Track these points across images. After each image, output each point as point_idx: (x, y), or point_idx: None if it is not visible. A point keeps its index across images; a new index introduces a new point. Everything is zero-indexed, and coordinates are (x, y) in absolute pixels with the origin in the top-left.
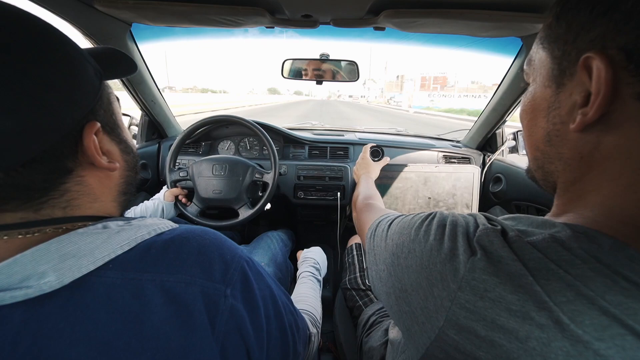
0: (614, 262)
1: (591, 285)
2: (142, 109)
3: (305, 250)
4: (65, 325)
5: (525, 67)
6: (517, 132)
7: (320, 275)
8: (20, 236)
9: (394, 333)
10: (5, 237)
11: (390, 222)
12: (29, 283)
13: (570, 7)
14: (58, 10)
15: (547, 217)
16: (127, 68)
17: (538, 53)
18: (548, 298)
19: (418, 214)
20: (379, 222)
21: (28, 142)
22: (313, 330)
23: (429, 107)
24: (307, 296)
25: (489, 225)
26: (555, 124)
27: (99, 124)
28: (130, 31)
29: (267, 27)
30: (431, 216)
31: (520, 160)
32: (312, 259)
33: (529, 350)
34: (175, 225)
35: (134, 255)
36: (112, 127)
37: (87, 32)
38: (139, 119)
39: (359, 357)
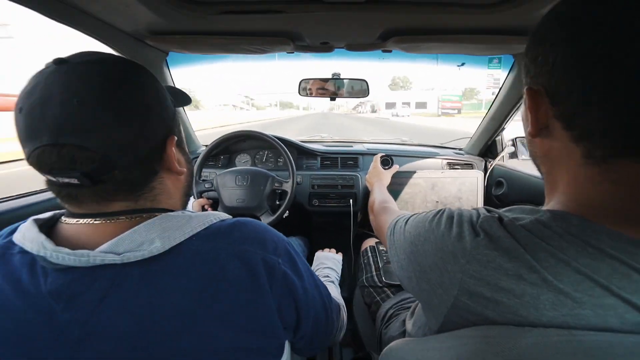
0: (582, 234)
1: (567, 252)
2: None
3: (319, 254)
4: (168, 279)
5: None
6: (515, 138)
7: (337, 277)
8: (127, 219)
9: (411, 320)
10: (119, 220)
11: (406, 220)
12: (144, 247)
13: (528, 47)
14: (111, 42)
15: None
16: (186, 100)
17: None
18: (536, 263)
19: (430, 211)
20: (397, 221)
21: (139, 148)
22: (341, 301)
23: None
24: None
25: (489, 214)
26: (526, 129)
27: (176, 138)
28: (166, 59)
29: (288, 53)
30: (441, 211)
31: (520, 165)
32: (326, 265)
33: (524, 303)
34: (230, 216)
35: (209, 232)
36: (180, 141)
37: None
38: None
39: (379, 348)
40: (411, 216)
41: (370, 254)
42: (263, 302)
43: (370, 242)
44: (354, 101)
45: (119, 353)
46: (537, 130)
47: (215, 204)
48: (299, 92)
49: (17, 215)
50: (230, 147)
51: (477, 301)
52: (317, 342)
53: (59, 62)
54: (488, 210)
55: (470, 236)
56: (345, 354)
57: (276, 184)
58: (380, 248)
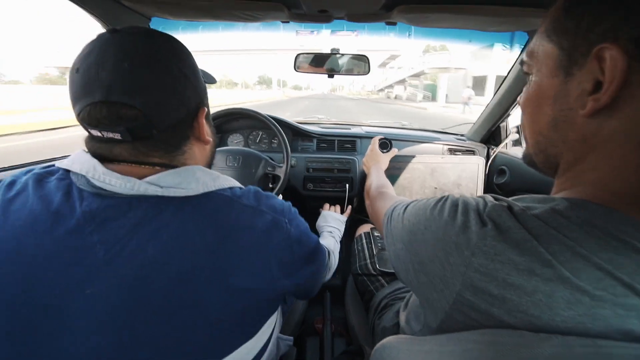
0: (605, 224)
1: (586, 245)
2: None
3: (324, 212)
4: (198, 219)
5: (525, 58)
6: (521, 125)
7: (339, 234)
8: (164, 168)
9: (405, 312)
10: (156, 167)
11: (405, 206)
12: (182, 186)
13: (580, 2)
14: (89, 6)
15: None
16: (211, 80)
17: (542, 45)
18: (551, 257)
19: (431, 198)
20: (394, 207)
21: (176, 112)
22: (331, 247)
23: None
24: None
25: (497, 202)
26: (563, 110)
27: (207, 109)
28: (148, 25)
29: (282, 22)
30: (444, 198)
31: None
32: (329, 224)
33: (536, 301)
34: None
35: (233, 192)
36: (208, 114)
37: (107, 25)
38: None
39: (372, 338)
40: (410, 203)
41: (364, 241)
42: (269, 254)
43: (365, 228)
44: (369, 80)
45: (138, 282)
46: (607, 104)
47: None
48: (295, 68)
49: None
50: (222, 125)
51: (482, 298)
52: (310, 286)
53: (112, 31)
54: (496, 199)
55: (477, 226)
56: (337, 344)
57: (269, 168)
58: (375, 234)
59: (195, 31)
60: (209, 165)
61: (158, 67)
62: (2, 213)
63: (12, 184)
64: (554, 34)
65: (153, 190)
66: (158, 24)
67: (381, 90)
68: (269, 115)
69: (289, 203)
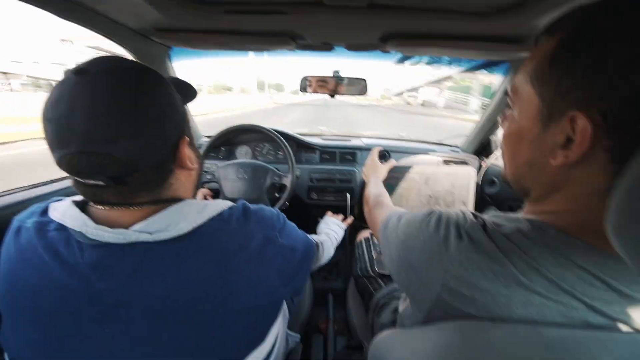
0: (557, 245)
1: (539, 261)
2: None
3: (326, 217)
4: (192, 255)
5: (510, 93)
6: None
7: (336, 236)
8: (151, 206)
9: (402, 307)
10: (144, 207)
11: (399, 218)
12: (170, 228)
13: (565, 59)
14: (117, 39)
15: (520, 213)
16: (192, 93)
17: (526, 87)
18: (512, 268)
19: (420, 212)
20: (390, 217)
21: (157, 151)
22: (319, 239)
23: None
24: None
25: (475, 220)
26: (536, 157)
27: (188, 139)
28: (168, 52)
29: (288, 50)
30: (431, 213)
31: None
32: (329, 227)
33: (497, 302)
34: (234, 204)
35: (222, 217)
36: (191, 140)
37: (133, 53)
38: None
39: (371, 335)
40: (403, 215)
41: (364, 245)
42: (267, 269)
43: (365, 234)
44: (377, 83)
45: (151, 317)
46: (575, 161)
47: (216, 194)
48: (301, 89)
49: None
50: (231, 139)
51: (456, 299)
52: (301, 286)
53: (79, 72)
54: (474, 216)
55: (456, 240)
56: (339, 341)
57: (276, 178)
58: (374, 240)
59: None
60: (197, 187)
61: (134, 109)
62: (17, 259)
63: (19, 230)
64: (537, 83)
65: (144, 237)
66: (177, 50)
67: (399, 94)
68: (273, 130)
69: (277, 210)
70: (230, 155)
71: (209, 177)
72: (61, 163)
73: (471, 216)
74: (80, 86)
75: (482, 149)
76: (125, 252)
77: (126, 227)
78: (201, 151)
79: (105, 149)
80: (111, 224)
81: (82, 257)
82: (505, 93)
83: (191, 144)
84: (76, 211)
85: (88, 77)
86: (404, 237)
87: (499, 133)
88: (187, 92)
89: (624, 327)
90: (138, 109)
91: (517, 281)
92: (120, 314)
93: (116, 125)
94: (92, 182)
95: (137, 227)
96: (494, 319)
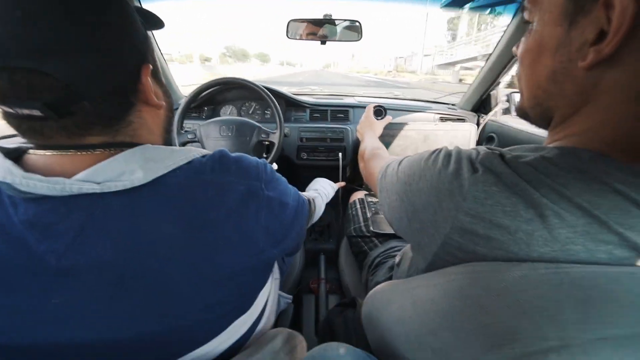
0: (591, 169)
1: (571, 189)
2: None
3: (317, 179)
4: (152, 210)
5: (527, 5)
6: (511, 93)
7: (326, 193)
8: (104, 152)
9: (399, 259)
10: (96, 152)
11: (399, 162)
12: (124, 177)
13: None
14: None
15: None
16: (158, 22)
17: None
18: (537, 200)
19: (425, 151)
20: (388, 164)
21: (109, 77)
22: (311, 195)
23: None
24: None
25: (489, 151)
26: (563, 62)
27: (151, 67)
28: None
29: None
30: (438, 150)
31: (513, 121)
32: (321, 185)
33: (516, 240)
34: (208, 152)
35: (192, 166)
36: (156, 71)
37: None
38: None
39: (365, 293)
40: (404, 158)
41: (358, 206)
42: (251, 226)
43: (359, 195)
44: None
45: (104, 283)
46: (610, 55)
47: None
48: (287, 35)
49: None
50: (214, 97)
51: (469, 238)
52: (297, 245)
53: None
54: (489, 148)
55: (469, 173)
56: (331, 300)
57: (263, 135)
58: (369, 200)
59: None
60: (168, 131)
61: (73, 15)
62: None
63: None
64: None
65: (89, 188)
66: None
67: (446, 65)
68: (262, 85)
69: (264, 160)
70: (213, 115)
71: (190, 136)
72: None
73: (484, 148)
74: None
75: (480, 106)
76: (71, 206)
77: (72, 175)
78: (179, 108)
79: (34, 64)
80: (55, 173)
81: (16, 214)
82: (522, 10)
83: (157, 77)
84: (0, 158)
85: None
86: (406, 179)
87: (500, 88)
88: (152, 20)
89: None
90: (79, 14)
91: (541, 214)
92: (67, 281)
93: (45, 34)
94: (25, 111)
95: (80, 175)
96: (510, 260)
